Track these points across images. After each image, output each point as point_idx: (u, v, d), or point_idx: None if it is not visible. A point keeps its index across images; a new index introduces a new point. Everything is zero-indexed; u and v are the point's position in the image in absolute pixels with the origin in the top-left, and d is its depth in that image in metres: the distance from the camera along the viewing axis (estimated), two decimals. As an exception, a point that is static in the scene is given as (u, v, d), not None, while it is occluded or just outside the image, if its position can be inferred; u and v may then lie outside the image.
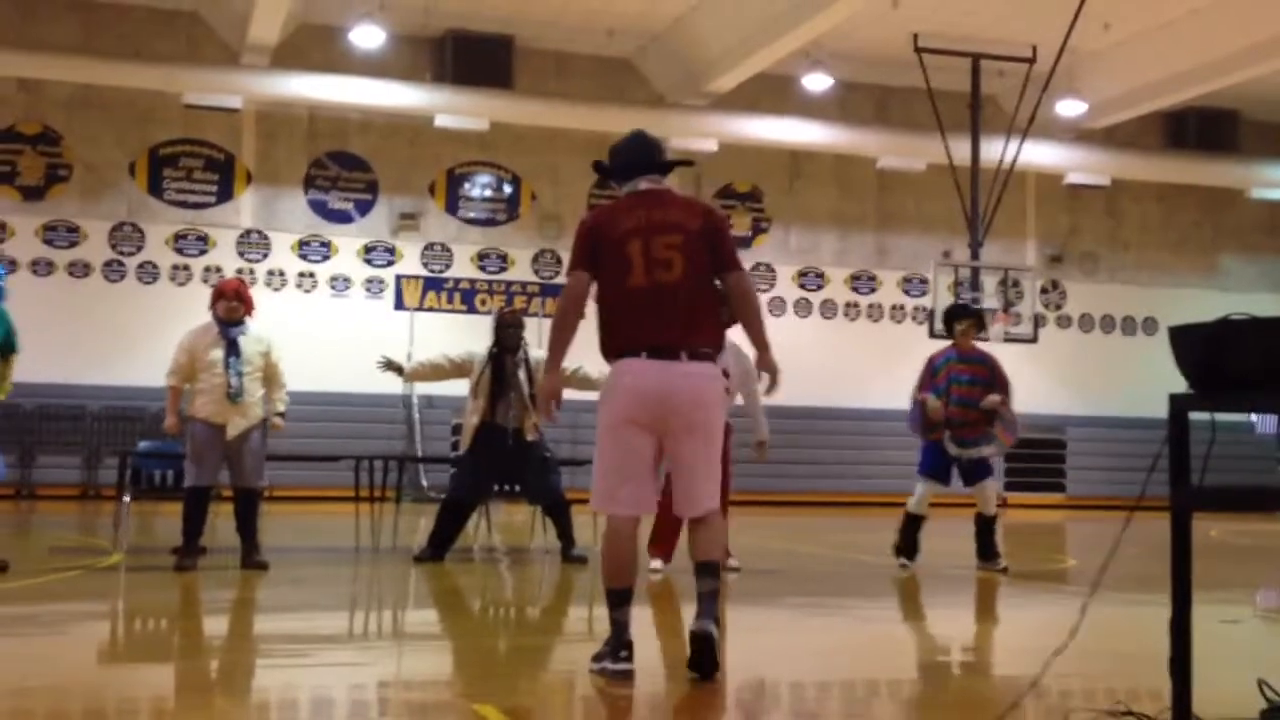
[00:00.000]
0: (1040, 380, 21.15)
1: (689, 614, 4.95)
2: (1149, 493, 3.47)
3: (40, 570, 7.90)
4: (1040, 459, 21.63)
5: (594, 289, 4.99)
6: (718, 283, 4.99)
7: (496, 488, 9.49)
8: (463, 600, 8.05)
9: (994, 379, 9.57)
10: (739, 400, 8.82)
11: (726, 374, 8.66)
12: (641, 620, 5.22)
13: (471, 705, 4.45)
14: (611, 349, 4.86)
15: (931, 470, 9.50)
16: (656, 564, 8.65)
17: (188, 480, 8.57)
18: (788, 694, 5.02)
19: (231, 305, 8.58)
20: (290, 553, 9.58)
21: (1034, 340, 18.18)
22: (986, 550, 9.50)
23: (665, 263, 4.80)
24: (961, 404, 9.43)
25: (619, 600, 4.85)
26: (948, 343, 9.86)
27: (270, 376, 8.70)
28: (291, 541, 10.27)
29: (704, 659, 4.75)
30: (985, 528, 9.52)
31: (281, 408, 8.78)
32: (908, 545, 9.46)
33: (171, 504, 10.28)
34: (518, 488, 9.47)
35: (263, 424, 8.65)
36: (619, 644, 4.81)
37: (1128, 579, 7.47)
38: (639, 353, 4.76)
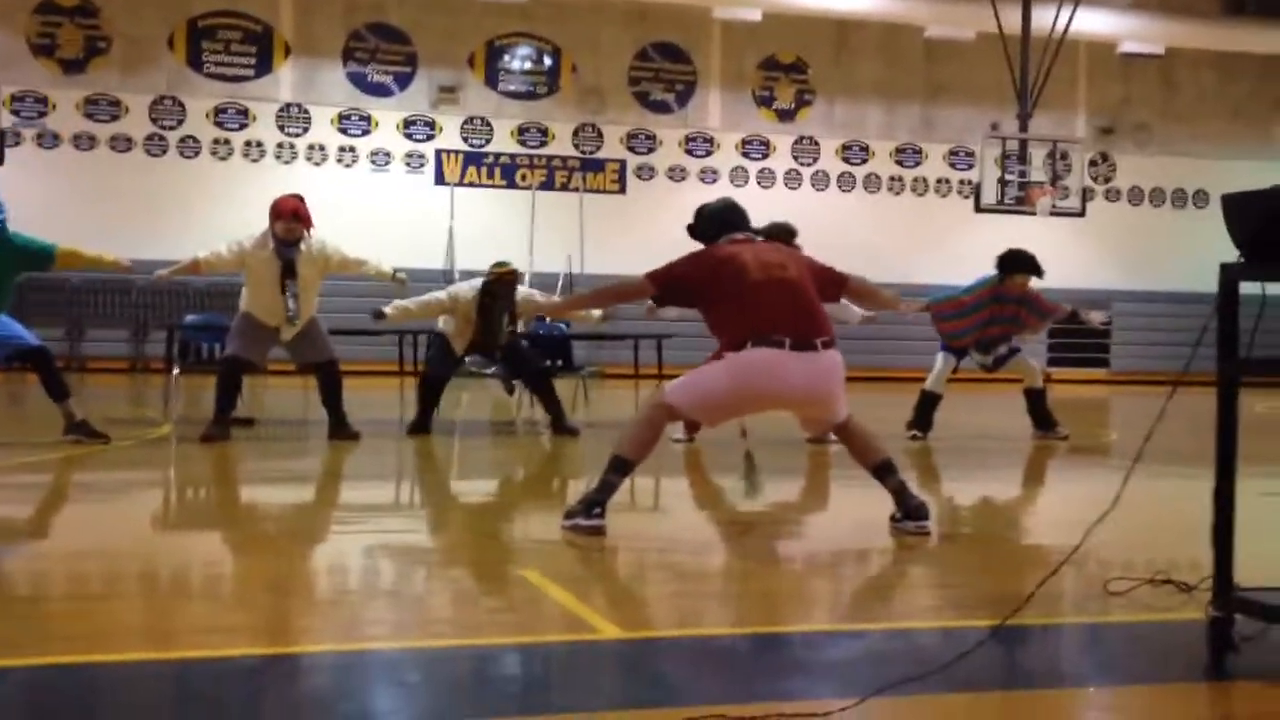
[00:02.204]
0: (1087, 255, 20.92)
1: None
2: (1195, 369, 3.44)
3: (91, 440, 8.05)
4: (1085, 334, 21.45)
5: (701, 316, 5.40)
6: (842, 300, 6.00)
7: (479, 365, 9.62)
8: (505, 471, 8.16)
9: (1033, 309, 9.57)
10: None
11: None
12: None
13: (517, 571, 4.54)
14: (744, 339, 5.15)
15: (951, 349, 9.60)
16: (680, 434, 8.78)
17: (226, 349, 8.67)
18: (825, 561, 5.08)
19: (290, 225, 8.43)
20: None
21: (1081, 214, 17.93)
22: (1043, 420, 9.64)
23: (779, 264, 5.30)
24: (999, 325, 9.49)
25: (625, 470, 5.25)
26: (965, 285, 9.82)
27: (354, 269, 8.79)
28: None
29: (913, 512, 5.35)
30: (1036, 399, 9.64)
31: (387, 268, 8.85)
32: (921, 421, 9.56)
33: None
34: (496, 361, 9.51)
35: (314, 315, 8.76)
36: (597, 503, 5.15)
37: (1170, 453, 7.46)
38: (780, 342, 5.11)
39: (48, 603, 4.06)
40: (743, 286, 5.19)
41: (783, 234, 8.71)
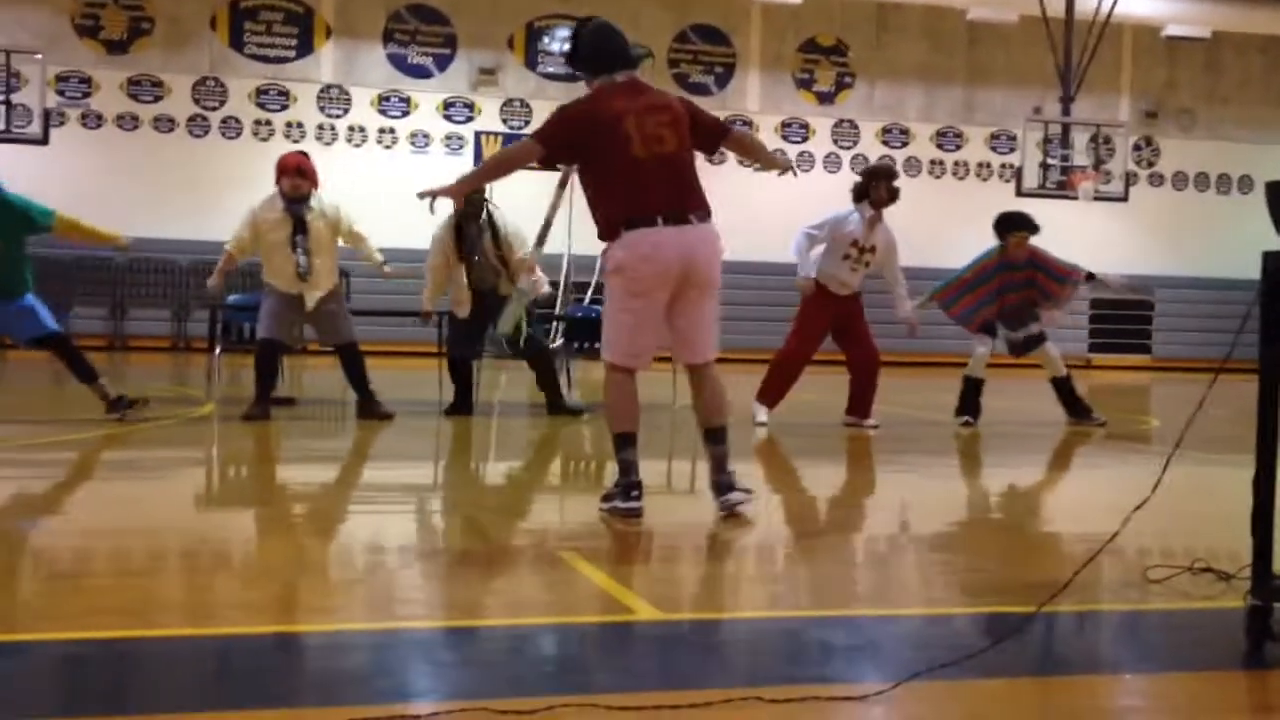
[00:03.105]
0: (1129, 240, 20.73)
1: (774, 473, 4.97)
2: (1239, 356, 3.41)
3: (136, 419, 8.14)
4: (1127, 319, 21.32)
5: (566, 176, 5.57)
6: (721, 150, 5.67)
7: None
8: (541, 452, 8.19)
9: (1051, 270, 9.48)
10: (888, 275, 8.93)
11: (874, 249, 8.61)
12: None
13: (556, 552, 4.56)
14: (620, 220, 5.12)
15: (985, 330, 9.52)
16: (763, 415, 8.87)
17: (259, 332, 8.75)
18: (863, 546, 5.07)
19: (295, 182, 8.52)
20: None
21: (1124, 199, 17.77)
22: (1075, 408, 9.56)
23: (659, 138, 5.16)
24: (1016, 291, 9.42)
25: (628, 443, 5.23)
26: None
27: (354, 242, 8.80)
28: (379, 395, 10.44)
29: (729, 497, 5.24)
30: (1064, 387, 9.55)
31: (380, 258, 8.91)
32: (967, 406, 9.49)
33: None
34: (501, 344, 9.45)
35: (339, 288, 8.81)
36: (630, 484, 5.16)
37: (1212, 440, 7.41)
38: (654, 220, 5.07)
39: (90, 578, 4.12)
40: (624, 161, 5.11)
41: (886, 175, 8.75)
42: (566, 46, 5.54)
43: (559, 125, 5.28)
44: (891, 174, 9.01)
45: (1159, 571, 4.18)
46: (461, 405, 9.25)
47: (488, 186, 8.78)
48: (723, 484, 5.28)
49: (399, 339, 15.14)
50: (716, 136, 5.50)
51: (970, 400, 9.51)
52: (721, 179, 9.32)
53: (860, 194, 8.90)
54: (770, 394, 9.03)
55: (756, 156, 5.74)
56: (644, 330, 5.19)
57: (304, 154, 8.81)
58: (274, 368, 8.74)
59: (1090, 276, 9.66)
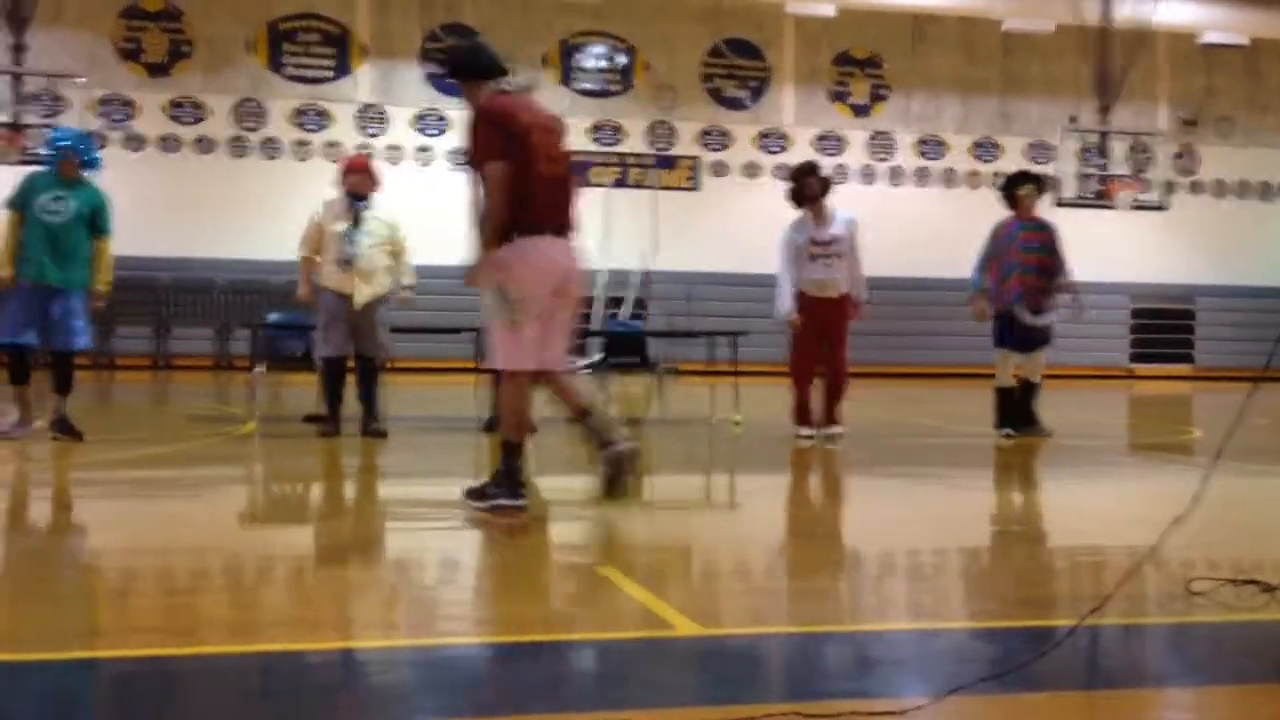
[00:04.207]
0: (1169, 249, 20.58)
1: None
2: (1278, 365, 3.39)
3: (179, 437, 8.23)
4: (1168, 329, 21.15)
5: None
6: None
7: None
8: (578, 469, 8.21)
9: (1057, 247, 9.43)
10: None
11: (836, 240, 8.69)
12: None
13: (594, 568, 4.58)
14: (518, 227, 5.44)
15: (1007, 341, 9.44)
16: (805, 431, 8.93)
17: (319, 351, 8.88)
18: (903, 560, 5.06)
19: (358, 179, 8.88)
20: (412, 422, 9.82)
21: (1163, 207, 17.65)
22: (1029, 416, 9.44)
23: (555, 157, 5.61)
24: (1031, 271, 9.33)
25: (518, 450, 5.61)
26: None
27: (396, 253, 8.95)
28: (414, 411, 10.54)
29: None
30: (1029, 394, 9.46)
31: (408, 281, 9.03)
32: (1006, 417, 9.43)
33: (300, 374, 10.60)
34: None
35: (386, 298, 8.91)
36: (517, 483, 5.58)
37: (1255, 450, 7.34)
38: (545, 232, 5.50)
39: (135, 596, 4.17)
40: (528, 174, 5.43)
41: (807, 172, 8.82)
42: (445, 65, 5.89)
43: (499, 127, 5.49)
44: (812, 168, 9.13)
45: (1202, 584, 4.15)
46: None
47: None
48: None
49: (432, 356, 15.22)
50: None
51: (1007, 411, 9.45)
52: (755, 191, 9.36)
53: (797, 197, 8.96)
54: (796, 411, 9.04)
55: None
56: (546, 334, 5.55)
57: (368, 155, 9.17)
58: (341, 383, 8.88)
59: (1071, 286, 9.54)
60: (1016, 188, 9.61)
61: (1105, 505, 7.14)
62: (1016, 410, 9.44)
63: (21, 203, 8.10)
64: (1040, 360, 9.50)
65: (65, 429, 8.07)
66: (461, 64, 5.80)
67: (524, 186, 5.43)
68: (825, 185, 9.02)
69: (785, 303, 8.94)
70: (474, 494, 5.67)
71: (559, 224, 5.57)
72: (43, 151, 8.25)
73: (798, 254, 8.94)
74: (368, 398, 8.92)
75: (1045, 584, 4.55)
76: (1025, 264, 9.34)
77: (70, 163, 8.17)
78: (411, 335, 11.45)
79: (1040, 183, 9.86)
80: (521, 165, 5.42)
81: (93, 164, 8.40)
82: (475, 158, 5.53)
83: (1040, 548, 5.47)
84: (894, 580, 4.69)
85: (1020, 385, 9.47)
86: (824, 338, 8.96)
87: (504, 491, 5.55)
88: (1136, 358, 20.96)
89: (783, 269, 8.99)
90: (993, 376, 9.60)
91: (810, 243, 8.91)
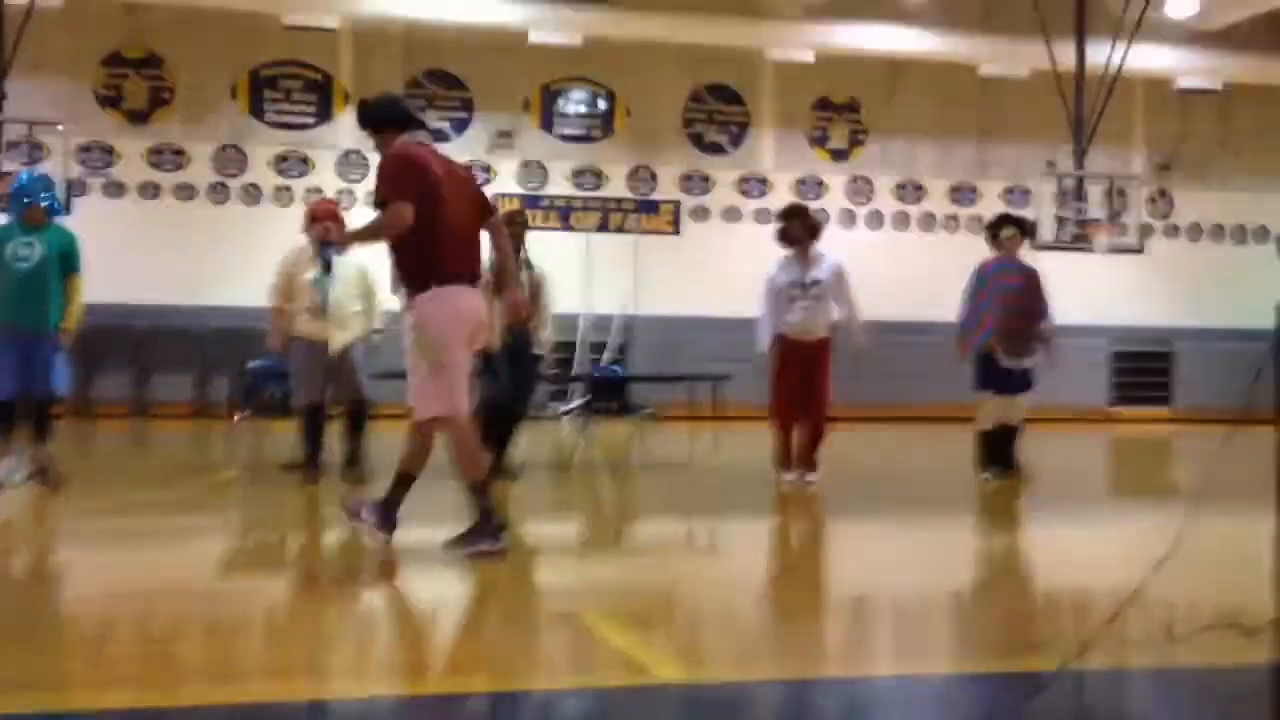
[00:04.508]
0: (1146, 291, 20.72)
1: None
2: (1261, 405, 3.40)
3: (159, 485, 8.18)
4: (1147, 371, 21.24)
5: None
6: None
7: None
8: (562, 514, 8.19)
9: (1039, 291, 9.48)
10: (835, 314, 8.90)
11: (819, 282, 8.74)
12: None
13: (579, 615, 4.56)
14: (434, 276, 5.61)
15: (987, 383, 9.46)
16: (788, 476, 8.91)
17: (297, 399, 8.84)
18: (886, 604, 5.05)
19: (325, 226, 8.73)
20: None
21: (1140, 250, 17.78)
22: (1006, 459, 9.45)
23: (465, 208, 5.75)
24: (1010, 312, 9.36)
25: (485, 487, 5.74)
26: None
27: (366, 295, 8.94)
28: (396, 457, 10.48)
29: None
30: (1009, 438, 9.47)
31: (378, 324, 9.01)
32: (987, 460, 9.44)
33: (282, 421, 10.56)
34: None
35: (361, 341, 8.91)
36: (498, 525, 5.73)
37: (1234, 493, 7.36)
38: (460, 281, 5.65)
39: (113, 644, 4.13)
40: (440, 223, 5.58)
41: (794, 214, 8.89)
42: (360, 115, 5.98)
43: (409, 172, 5.60)
44: (798, 211, 9.23)
45: (1184, 627, 4.15)
46: (500, 465, 8.95)
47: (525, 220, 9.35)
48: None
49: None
50: (486, 214, 5.97)
51: (989, 453, 9.47)
52: (735, 235, 9.41)
53: (784, 239, 9.03)
54: (778, 456, 9.02)
55: (503, 253, 6.17)
56: (464, 380, 5.74)
57: (334, 201, 9.10)
58: (320, 431, 8.82)
59: (1049, 336, 9.56)
60: (999, 230, 9.72)
61: (1087, 548, 7.15)
62: (997, 455, 9.46)
63: None
64: (1021, 405, 9.51)
65: (45, 476, 8.02)
66: (377, 115, 5.87)
67: (436, 236, 5.58)
68: (812, 230, 9.03)
69: (764, 342, 8.97)
70: (454, 544, 5.72)
71: (470, 273, 5.73)
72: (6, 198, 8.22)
73: (778, 295, 8.99)
74: (354, 440, 8.89)
75: (1028, 628, 4.55)
76: (1003, 305, 9.38)
77: (36, 210, 8.15)
78: (399, 380, 11.42)
79: (1022, 226, 9.94)
80: (434, 215, 5.55)
81: (55, 209, 8.40)
82: (384, 196, 5.62)
83: (1023, 591, 5.47)
84: (877, 625, 4.69)
85: (1000, 428, 9.48)
86: (803, 381, 8.96)
87: (485, 536, 5.67)
88: (1116, 400, 21.02)
89: (762, 306, 9.01)
90: (973, 419, 9.62)
91: (791, 284, 8.94)
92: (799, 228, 9.00)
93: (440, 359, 5.60)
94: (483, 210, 5.93)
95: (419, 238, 5.56)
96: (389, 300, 9.00)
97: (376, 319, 9.02)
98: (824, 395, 8.96)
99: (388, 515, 5.82)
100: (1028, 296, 9.43)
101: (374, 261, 9.07)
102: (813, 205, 20.32)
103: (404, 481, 5.84)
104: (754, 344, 9.03)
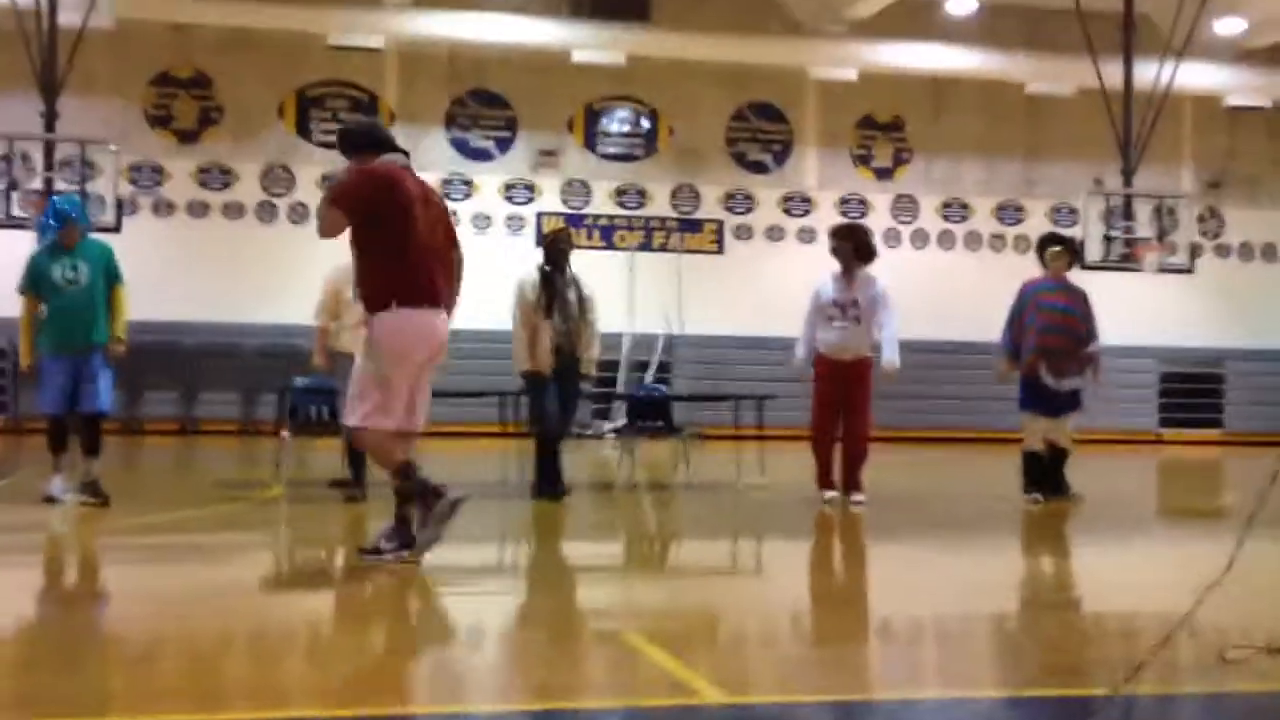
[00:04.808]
0: (1196, 312, 20.49)
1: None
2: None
3: (206, 502, 8.24)
4: (1197, 393, 20.98)
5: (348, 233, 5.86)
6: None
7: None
8: (606, 534, 8.18)
9: (1086, 313, 9.35)
10: (874, 333, 8.87)
11: (857, 303, 8.75)
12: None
13: (621, 635, 4.54)
14: (397, 295, 5.71)
15: (1032, 404, 9.35)
16: (828, 495, 8.91)
17: (343, 416, 8.85)
18: (932, 626, 5.01)
19: None
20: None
21: (1190, 270, 17.57)
22: (1059, 484, 9.33)
23: (434, 231, 5.88)
24: (1052, 331, 9.25)
25: (410, 496, 5.82)
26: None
27: None
28: (440, 476, 10.51)
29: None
30: (1059, 460, 9.35)
31: None
32: (1034, 482, 9.33)
33: (327, 439, 10.61)
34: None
35: None
36: (410, 534, 5.85)
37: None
38: (422, 303, 5.75)
39: (157, 662, 4.15)
40: (410, 243, 5.72)
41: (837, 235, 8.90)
42: (339, 140, 6.11)
43: (370, 186, 5.75)
44: (848, 232, 9.22)
45: (1237, 652, 4.08)
46: (550, 486, 8.96)
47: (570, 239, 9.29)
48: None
49: (457, 420, 15.19)
50: (450, 245, 6.08)
51: (1035, 475, 9.36)
52: (779, 254, 9.40)
53: (835, 256, 9.08)
54: (819, 476, 9.01)
55: (457, 280, 6.20)
56: (403, 396, 5.84)
57: None
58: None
59: (1095, 359, 9.43)
60: (1044, 249, 9.65)
61: (1137, 571, 7.06)
62: (1046, 476, 9.34)
63: (35, 287, 8.18)
64: (1068, 426, 9.39)
65: (94, 492, 8.10)
66: (355, 140, 6.00)
67: (404, 257, 5.71)
68: (861, 252, 9.00)
69: (799, 353, 9.08)
70: (369, 551, 5.88)
71: (435, 295, 5.83)
72: (46, 223, 8.36)
73: (819, 312, 9.00)
74: (361, 459, 8.88)
75: (1077, 651, 4.49)
76: (1045, 324, 9.28)
77: (73, 230, 8.26)
78: (436, 399, 11.46)
79: (1069, 245, 9.83)
80: (403, 235, 5.70)
81: (87, 225, 8.55)
82: (331, 196, 5.81)
83: (1071, 614, 5.40)
84: (923, 647, 4.64)
85: (1049, 451, 9.37)
86: (843, 401, 8.93)
87: (397, 543, 5.83)
88: (1165, 422, 20.79)
89: (805, 321, 9.09)
90: (1020, 441, 9.52)
91: (832, 303, 8.94)
92: (847, 249, 8.99)
93: (386, 376, 5.75)
94: (450, 239, 6.07)
95: (388, 255, 5.72)
96: (450, 319, 9.13)
97: None
98: (864, 415, 8.92)
99: (404, 534, 5.87)
100: (1072, 317, 9.32)
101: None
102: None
103: (405, 493, 5.89)
104: (795, 355, 9.08)
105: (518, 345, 8.92)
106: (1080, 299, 9.44)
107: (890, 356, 8.89)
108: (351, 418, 5.89)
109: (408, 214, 5.71)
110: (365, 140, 5.98)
